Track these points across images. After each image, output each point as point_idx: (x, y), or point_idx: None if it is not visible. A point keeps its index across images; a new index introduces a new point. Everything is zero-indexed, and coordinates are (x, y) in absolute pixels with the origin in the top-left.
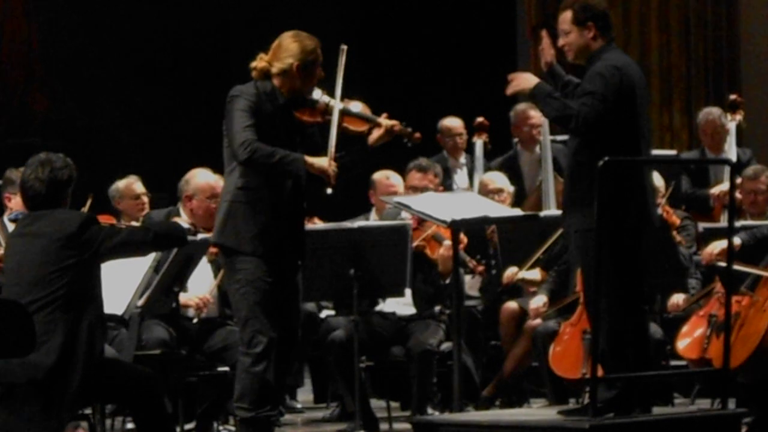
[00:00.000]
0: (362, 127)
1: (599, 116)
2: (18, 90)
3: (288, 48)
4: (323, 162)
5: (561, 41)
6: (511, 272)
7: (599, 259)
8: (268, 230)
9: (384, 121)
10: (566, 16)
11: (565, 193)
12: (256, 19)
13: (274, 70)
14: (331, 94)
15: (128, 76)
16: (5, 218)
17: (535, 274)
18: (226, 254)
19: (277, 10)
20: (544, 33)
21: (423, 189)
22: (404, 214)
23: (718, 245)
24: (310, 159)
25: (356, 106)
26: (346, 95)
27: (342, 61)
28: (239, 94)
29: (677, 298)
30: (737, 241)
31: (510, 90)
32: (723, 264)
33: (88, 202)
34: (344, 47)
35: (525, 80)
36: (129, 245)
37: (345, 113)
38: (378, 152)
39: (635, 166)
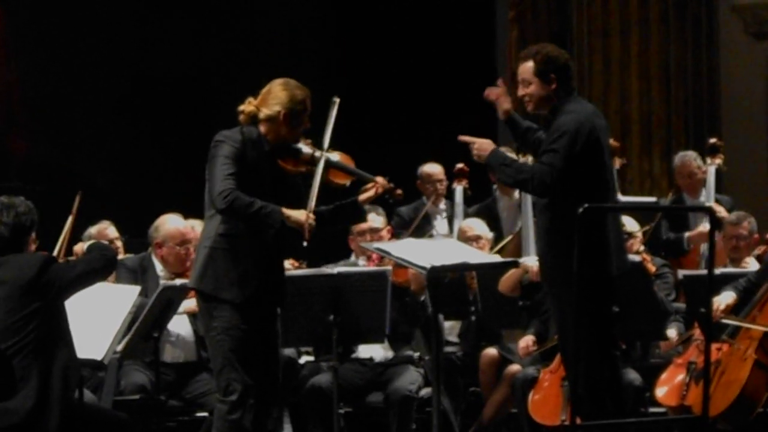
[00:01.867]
0: (345, 180)
1: (559, 175)
2: None
3: (277, 95)
4: (301, 215)
5: (521, 91)
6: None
7: (579, 306)
8: (248, 278)
9: (376, 179)
10: (527, 67)
11: (538, 244)
12: (236, 63)
13: (261, 115)
14: (319, 144)
15: (108, 120)
16: None
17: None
18: (204, 300)
19: (256, 56)
20: (500, 81)
21: (371, 231)
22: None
23: (721, 302)
24: (287, 211)
25: (341, 159)
26: (332, 145)
27: (333, 113)
28: (224, 139)
29: (671, 333)
30: (733, 295)
31: (470, 144)
32: (728, 321)
33: (77, 199)
34: (336, 99)
35: (482, 148)
36: (89, 274)
37: (331, 165)
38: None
39: (603, 213)
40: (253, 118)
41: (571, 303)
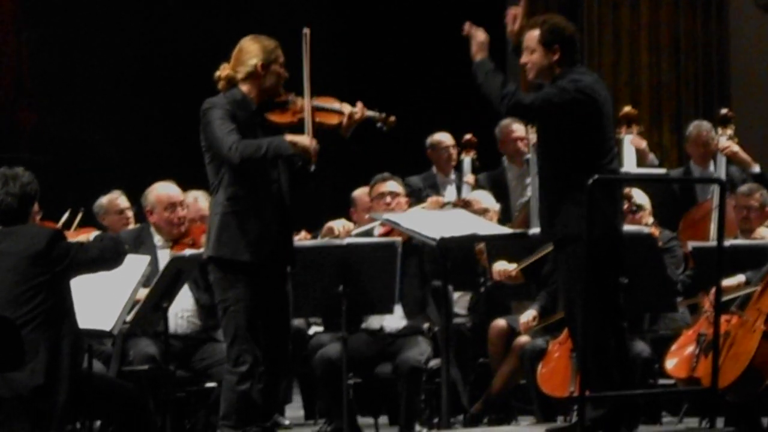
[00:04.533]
0: (336, 120)
1: (539, 109)
2: (7, 105)
3: (249, 50)
4: (305, 140)
5: (524, 58)
6: (501, 267)
7: (588, 276)
8: (264, 236)
9: (346, 107)
10: (533, 35)
11: (541, 212)
12: (242, 35)
13: (240, 75)
14: (301, 87)
15: (117, 92)
16: None
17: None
18: (221, 268)
19: (262, 30)
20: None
21: (391, 193)
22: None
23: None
24: (290, 137)
25: (326, 101)
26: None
27: (306, 46)
28: (212, 105)
29: None
30: (742, 278)
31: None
32: (729, 296)
33: (79, 216)
34: (306, 31)
35: (481, 48)
36: (100, 261)
37: (316, 109)
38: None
39: (612, 183)
40: (231, 82)
41: (577, 274)
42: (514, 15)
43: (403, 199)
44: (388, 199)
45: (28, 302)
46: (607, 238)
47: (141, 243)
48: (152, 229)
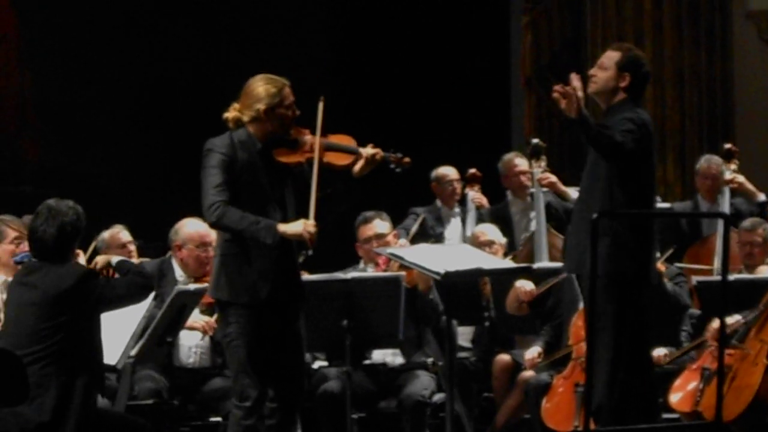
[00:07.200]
0: (346, 161)
1: (632, 144)
2: (10, 138)
3: (253, 94)
4: (297, 228)
5: (593, 71)
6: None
7: (593, 311)
8: (263, 279)
9: (365, 150)
10: (613, 55)
11: (576, 250)
12: (248, 67)
13: (245, 118)
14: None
15: (120, 125)
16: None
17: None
18: (221, 307)
19: (268, 60)
20: (575, 76)
21: (377, 237)
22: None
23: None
24: (283, 226)
25: (337, 139)
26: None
27: (320, 110)
28: (212, 147)
29: (658, 353)
30: (739, 318)
31: (557, 91)
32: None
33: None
34: (322, 98)
35: (570, 105)
36: (127, 298)
37: (326, 148)
38: (369, 194)
39: (638, 220)
40: (239, 123)
41: (602, 307)
42: (571, 89)
43: (390, 237)
44: (374, 244)
45: (47, 339)
46: (634, 274)
47: (163, 276)
48: (174, 263)
